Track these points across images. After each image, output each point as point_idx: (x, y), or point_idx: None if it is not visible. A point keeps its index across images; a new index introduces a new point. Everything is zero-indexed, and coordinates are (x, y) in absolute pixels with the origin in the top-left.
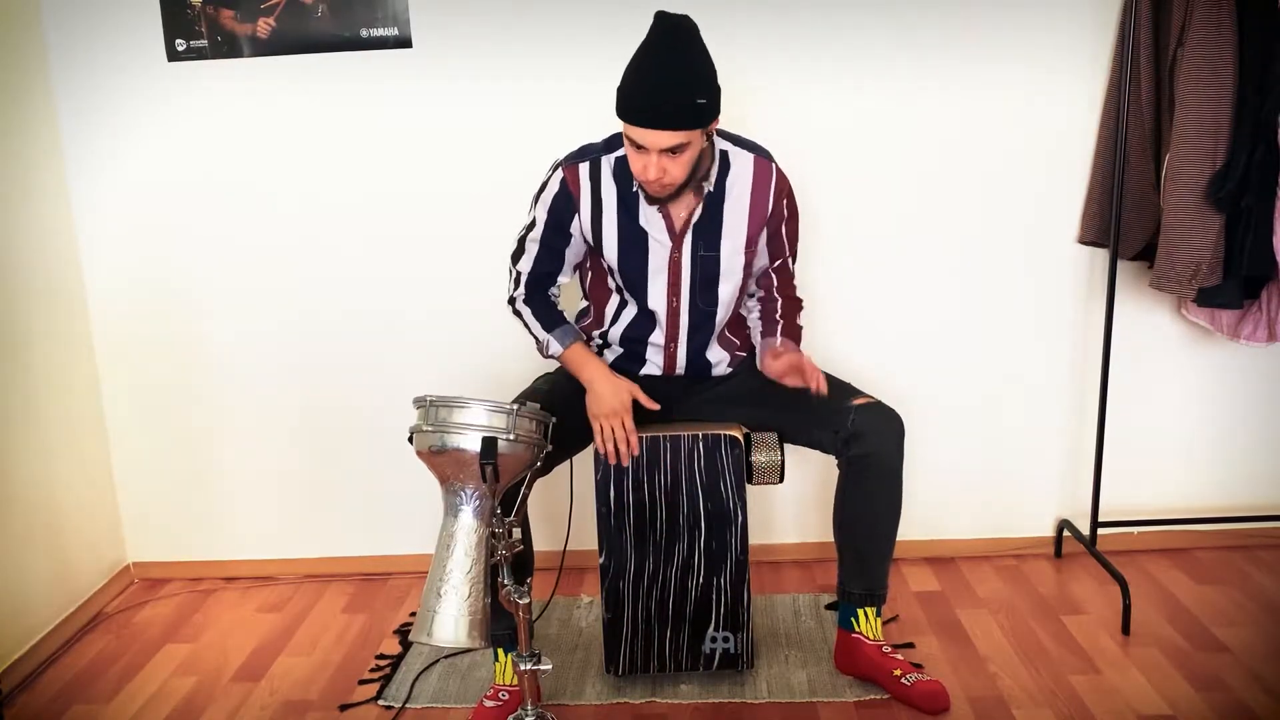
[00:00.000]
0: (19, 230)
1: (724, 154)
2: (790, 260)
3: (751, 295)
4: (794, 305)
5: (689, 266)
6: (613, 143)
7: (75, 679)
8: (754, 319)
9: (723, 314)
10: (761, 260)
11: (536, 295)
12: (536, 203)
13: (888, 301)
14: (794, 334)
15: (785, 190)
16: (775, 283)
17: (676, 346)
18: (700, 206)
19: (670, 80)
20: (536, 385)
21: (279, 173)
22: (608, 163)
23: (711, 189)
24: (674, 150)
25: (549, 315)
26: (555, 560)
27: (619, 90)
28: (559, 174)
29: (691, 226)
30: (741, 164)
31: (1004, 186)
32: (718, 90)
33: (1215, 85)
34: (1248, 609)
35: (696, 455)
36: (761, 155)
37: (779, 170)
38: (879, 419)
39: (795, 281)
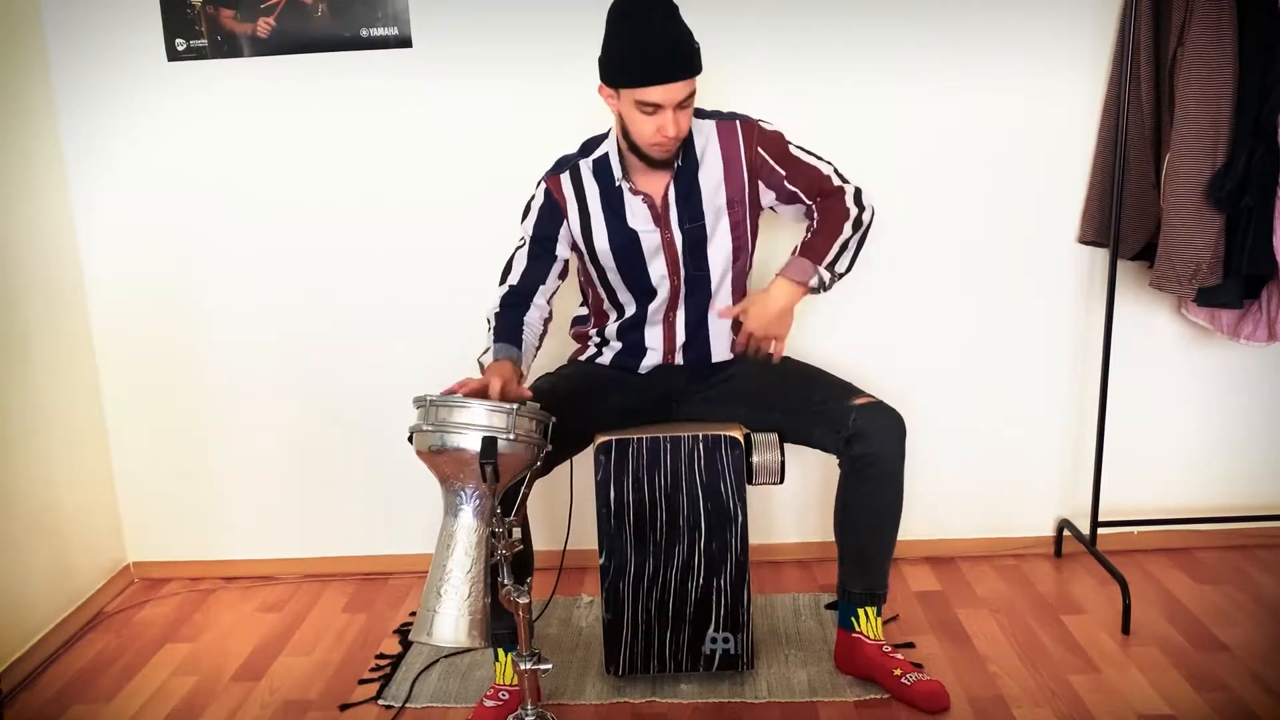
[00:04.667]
0: (19, 230)
1: None
2: (820, 170)
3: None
4: (832, 217)
5: (680, 242)
6: (587, 148)
7: (75, 679)
8: None
9: (717, 278)
10: (785, 210)
11: (510, 307)
12: (524, 221)
13: (888, 301)
14: (815, 247)
15: (754, 135)
16: (810, 206)
17: (675, 316)
18: (672, 182)
19: (670, 33)
20: (537, 385)
21: (279, 172)
22: (586, 166)
23: (680, 163)
24: (685, 103)
25: (506, 328)
26: (555, 560)
27: (615, 61)
28: (542, 186)
29: (673, 204)
30: (705, 133)
31: (1004, 186)
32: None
33: (1215, 85)
34: (1248, 609)
35: (697, 456)
36: (723, 118)
37: (742, 121)
38: (880, 418)
39: (846, 190)
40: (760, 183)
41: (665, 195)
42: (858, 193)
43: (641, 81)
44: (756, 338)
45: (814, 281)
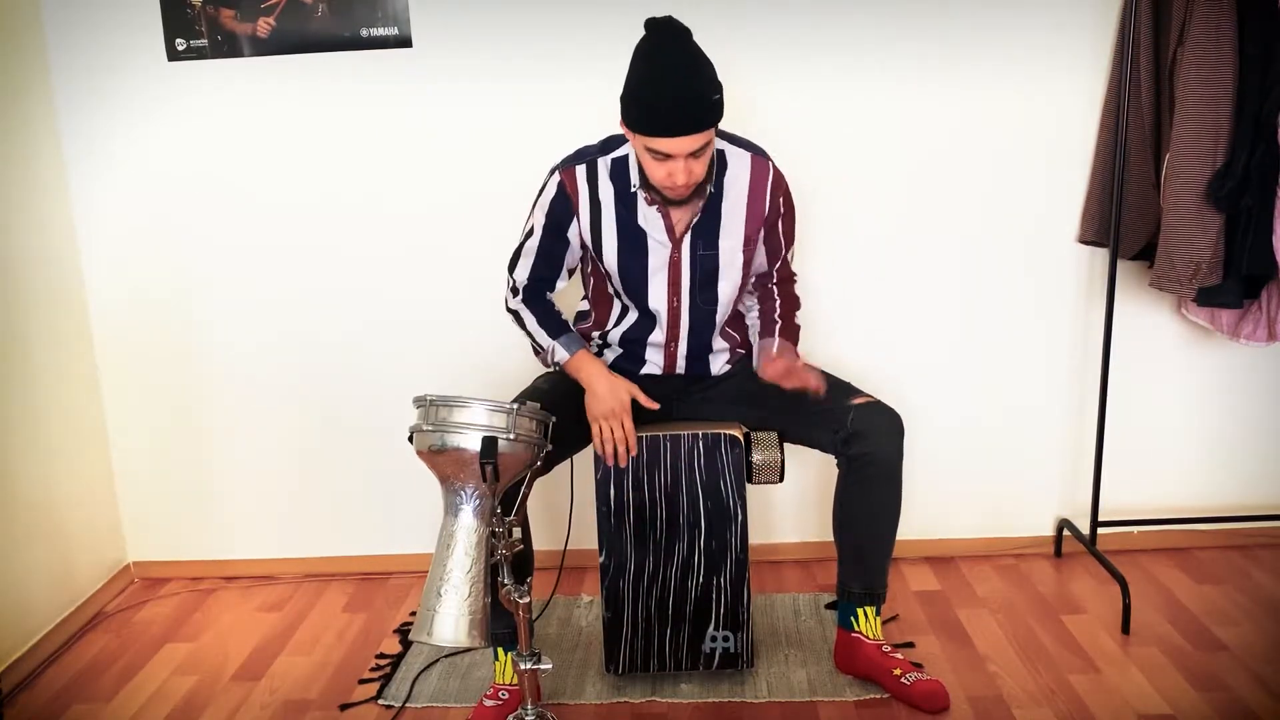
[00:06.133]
0: (19, 230)
1: (720, 153)
2: (789, 256)
3: (751, 293)
4: (792, 303)
5: (688, 265)
6: (609, 144)
7: (75, 678)
8: (753, 318)
9: (723, 312)
10: (761, 258)
11: (535, 299)
12: (534, 208)
13: (887, 301)
14: (792, 334)
15: (782, 187)
16: (774, 279)
17: (677, 346)
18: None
19: (687, 85)
20: (537, 385)
21: (279, 172)
22: (604, 164)
23: (713, 189)
24: (698, 152)
25: (551, 321)
26: (555, 560)
27: (632, 104)
28: (556, 178)
29: (691, 227)
30: (738, 162)
31: (1004, 186)
32: (720, 84)
33: (1215, 85)
34: (1248, 609)
35: (696, 454)
36: (758, 154)
37: (775, 168)
38: (878, 418)
39: (796, 279)
40: (764, 227)
41: (690, 219)
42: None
43: (651, 131)
44: (798, 372)
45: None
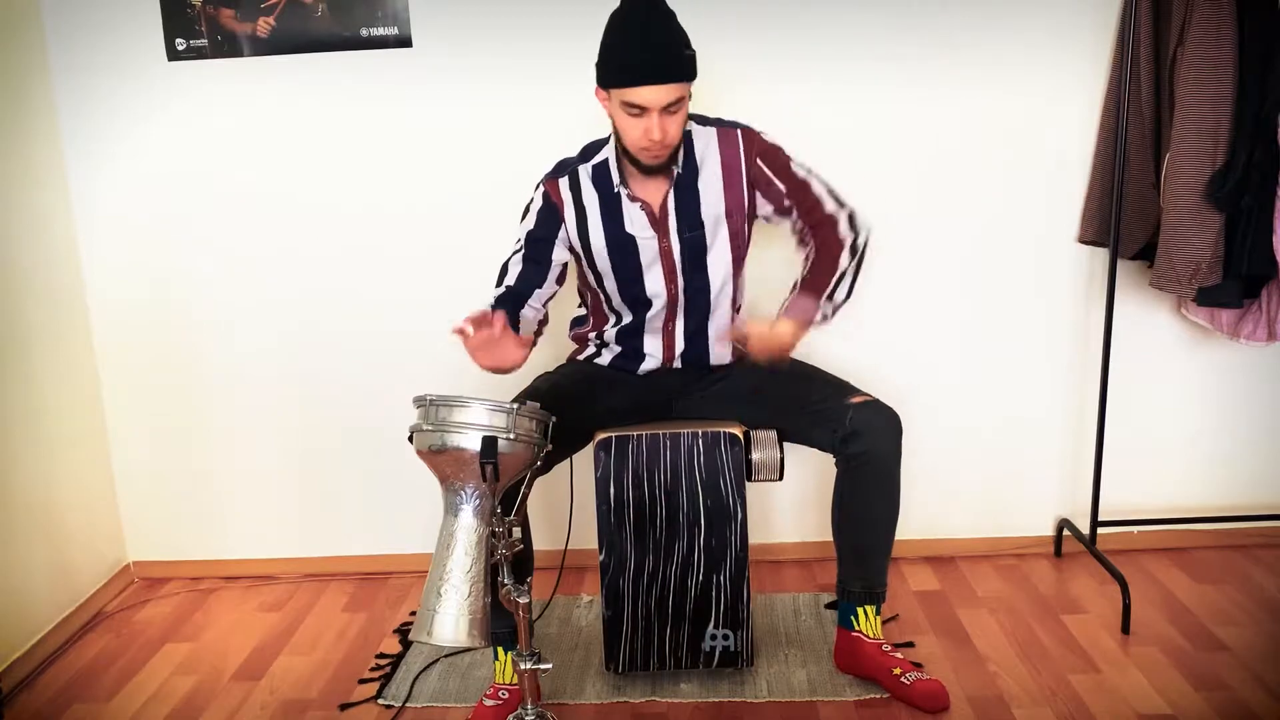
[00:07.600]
0: (19, 231)
1: (686, 134)
2: (815, 192)
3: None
4: (829, 249)
5: (678, 250)
6: (587, 153)
7: (75, 678)
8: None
9: (716, 288)
10: (787, 219)
11: (511, 302)
12: (523, 220)
13: (887, 301)
14: (813, 287)
15: (755, 145)
16: (803, 226)
17: (674, 325)
18: (672, 188)
19: (660, 36)
20: (536, 384)
21: (279, 172)
22: (585, 171)
23: (680, 170)
24: (672, 108)
25: (506, 301)
26: (555, 559)
27: (605, 61)
28: (541, 189)
29: (671, 211)
30: (705, 139)
31: (1004, 186)
32: (690, 42)
33: (1215, 85)
34: (1248, 609)
35: (696, 453)
36: (723, 125)
37: (744, 131)
38: (876, 417)
39: (839, 216)
40: (759, 194)
41: (664, 202)
42: (851, 217)
43: (626, 82)
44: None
45: (818, 318)
